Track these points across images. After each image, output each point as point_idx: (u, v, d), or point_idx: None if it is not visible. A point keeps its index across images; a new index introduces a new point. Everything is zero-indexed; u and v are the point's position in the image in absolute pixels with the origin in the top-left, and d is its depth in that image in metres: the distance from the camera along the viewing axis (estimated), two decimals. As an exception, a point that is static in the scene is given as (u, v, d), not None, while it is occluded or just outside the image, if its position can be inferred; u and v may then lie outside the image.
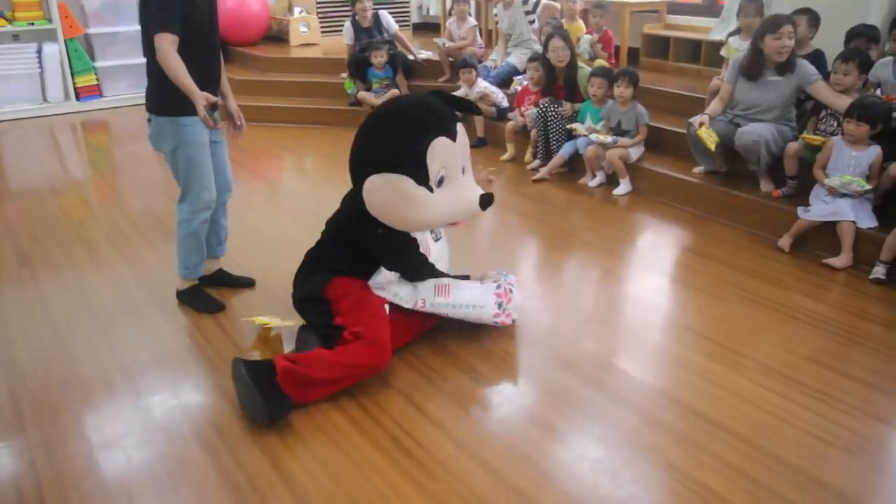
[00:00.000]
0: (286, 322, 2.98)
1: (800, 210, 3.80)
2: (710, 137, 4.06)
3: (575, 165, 5.04)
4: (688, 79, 5.78)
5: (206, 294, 3.31)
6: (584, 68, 5.16)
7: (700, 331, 3.04)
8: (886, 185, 3.63)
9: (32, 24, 7.01)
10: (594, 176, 4.86)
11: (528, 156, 5.29)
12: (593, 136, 4.76)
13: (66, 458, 2.31)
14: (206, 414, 2.53)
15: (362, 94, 6.46)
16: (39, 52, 7.11)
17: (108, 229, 4.21)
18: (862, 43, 4.08)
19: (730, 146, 4.15)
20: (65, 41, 7.13)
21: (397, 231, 2.72)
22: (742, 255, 3.78)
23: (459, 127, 2.74)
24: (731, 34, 4.92)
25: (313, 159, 5.79)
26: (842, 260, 3.56)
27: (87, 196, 4.93)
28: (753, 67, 4.03)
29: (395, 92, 6.37)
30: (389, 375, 2.71)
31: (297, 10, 8.14)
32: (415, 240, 2.82)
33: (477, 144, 5.68)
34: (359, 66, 6.46)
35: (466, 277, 3.03)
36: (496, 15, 6.59)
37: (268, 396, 2.37)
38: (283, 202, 4.83)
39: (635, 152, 4.74)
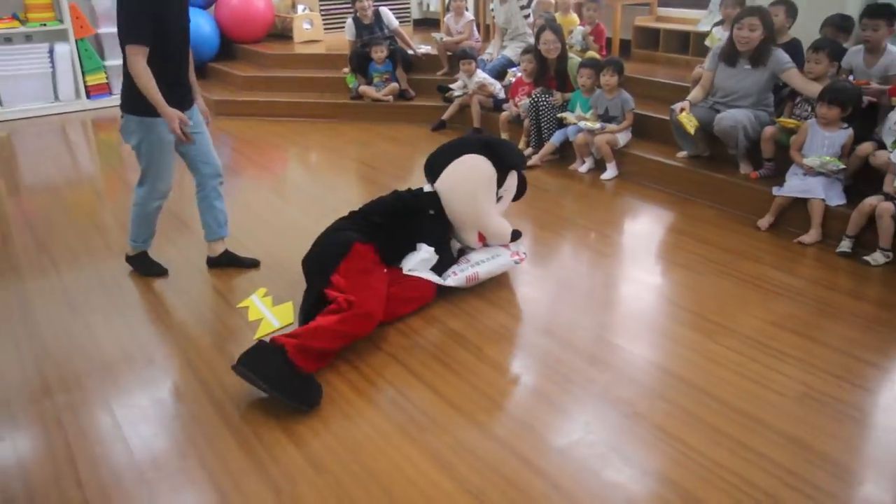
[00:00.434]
0: (273, 320, 3.16)
1: (775, 189, 4.00)
2: (689, 122, 4.27)
3: (566, 152, 5.25)
4: (678, 69, 5.96)
5: (151, 260, 3.69)
6: (575, 59, 5.37)
7: (685, 305, 3.24)
8: (855, 166, 3.83)
9: (45, 24, 7.25)
10: (584, 162, 5.07)
11: (521, 144, 5.51)
12: (582, 124, 4.97)
13: (89, 417, 2.56)
14: (218, 379, 2.76)
15: (363, 88, 6.68)
16: (51, 52, 7.35)
17: (121, 218, 4.44)
18: (832, 31, 4.27)
19: (710, 131, 4.35)
20: (76, 41, 7.38)
21: (444, 218, 3.31)
22: (723, 233, 3.99)
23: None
24: (716, 24, 5.13)
25: (316, 151, 6.02)
26: (811, 236, 3.77)
27: (99, 189, 5.17)
28: (730, 56, 4.24)
29: (394, 86, 6.59)
30: (391, 347, 2.93)
31: (300, 7, 8.36)
32: (449, 233, 3.40)
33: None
34: (360, 61, 6.68)
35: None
36: (492, 10, 6.79)
37: (294, 392, 2.52)
38: (287, 192, 5.05)
39: (623, 138, 4.95)
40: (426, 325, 3.11)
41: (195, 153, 3.48)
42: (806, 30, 4.42)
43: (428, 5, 8.97)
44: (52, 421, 2.53)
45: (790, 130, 4.07)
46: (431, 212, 3.32)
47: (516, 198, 3.64)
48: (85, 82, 7.56)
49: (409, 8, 8.89)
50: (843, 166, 3.79)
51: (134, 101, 3.23)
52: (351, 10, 6.90)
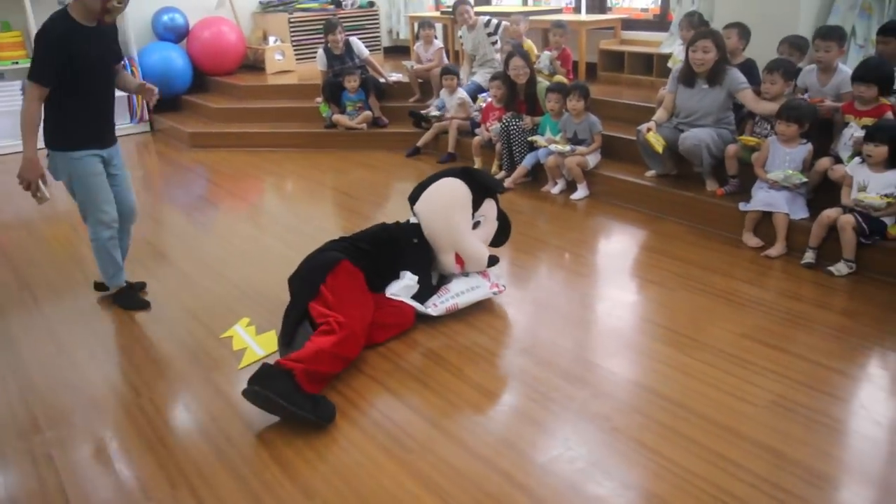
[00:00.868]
0: (257, 348, 3.21)
1: (741, 205, 4.15)
2: (657, 141, 4.42)
3: (538, 175, 5.38)
4: (643, 90, 6.14)
5: (134, 294, 3.74)
6: (543, 83, 5.51)
7: (659, 321, 3.34)
8: (815, 180, 3.98)
9: (17, 62, 7.27)
10: (555, 183, 5.19)
11: (494, 167, 5.62)
12: (553, 147, 5.10)
13: (79, 452, 2.58)
14: (206, 408, 2.80)
15: (337, 117, 6.77)
16: (23, 89, 7.35)
17: (100, 253, 4.47)
18: (788, 50, 4.45)
19: (676, 150, 4.50)
20: (47, 78, 7.37)
21: (426, 246, 3.43)
22: (693, 249, 4.11)
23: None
24: (679, 46, 5.31)
25: (293, 181, 6.08)
26: (777, 249, 3.91)
27: (75, 223, 5.14)
28: (688, 77, 4.41)
29: (368, 114, 6.70)
30: (372, 370, 3.00)
31: (271, 39, 8.45)
32: (431, 262, 3.50)
33: (446, 159, 6.02)
34: (333, 91, 6.77)
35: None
36: (461, 37, 6.94)
37: (311, 408, 2.60)
38: (265, 222, 5.10)
39: (592, 159, 5.08)
40: (407, 348, 3.18)
41: (117, 193, 3.56)
42: (762, 49, 4.60)
43: (397, 33, 9.11)
44: (42, 456, 2.56)
45: (752, 148, 4.22)
46: (415, 240, 3.43)
47: (502, 241, 3.75)
48: (57, 118, 7.54)
49: (379, 36, 9.03)
50: (805, 179, 3.94)
51: (55, 137, 3.34)
52: (321, 41, 7.01)
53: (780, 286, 3.63)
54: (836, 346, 3.05)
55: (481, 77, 6.46)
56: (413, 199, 3.59)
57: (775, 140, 4.07)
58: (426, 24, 7.02)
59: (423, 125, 6.48)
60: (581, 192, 5.04)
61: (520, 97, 5.49)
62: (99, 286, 3.83)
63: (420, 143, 6.35)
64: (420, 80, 6.95)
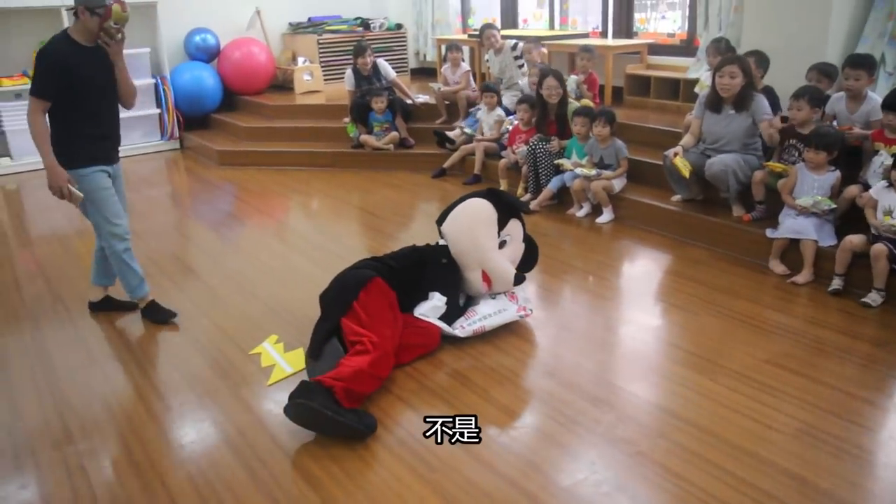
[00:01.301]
0: (285, 366, 3.25)
1: (768, 231, 4.14)
2: (684, 166, 4.43)
3: (563, 197, 5.40)
4: (668, 115, 6.16)
5: (160, 307, 3.78)
6: (573, 104, 5.56)
7: (683, 345, 3.34)
8: (843, 208, 3.97)
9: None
10: (581, 207, 5.21)
11: (520, 190, 5.65)
12: (579, 171, 5.13)
13: (111, 463, 2.63)
14: (234, 423, 2.84)
15: (364, 138, 6.86)
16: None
17: (131, 268, 4.55)
18: (816, 76, 4.45)
19: (702, 176, 4.51)
20: (82, 95, 7.54)
21: (455, 267, 3.48)
22: (718, 274, 4.10)
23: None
24: (706, 72, 5.33)
25: (319, 199, 6.16)
26: (804, 276, 3.89)
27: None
28: (714, 103, 4.43)
29: (394, 135, 6.77)
30: (399, 390, 3.03)
31: (300, 59, 8.60)
32: (461, 281, 3.54)
33: (472, 181, 6.07)
34: (360, 111, 6.87)
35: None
36: (488, 60, 7.01)
37: (355, 418, 2.66)
38: (292, 239, 5.17)
39: (618, 183, 5.10)
40: (433, 368, 3.20)
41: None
42: (790, 76, 4.61)
43: (425, 55, 9.22)
44: (75, 467, 2.61)
45: (779, 174, 4.22)
46: (444, 260, 3.48)
47: (530, 265, 3.78)
48: (90, 134, 7.70)
49: (406, 58, 9.14)
50: (834, 205, 3.93)
51: (62, 157, 3.42)
52: (349, 62, 7.12)
53: (807, 313, 3.61)
54: (864, 375, 3.03)
55: (507, 100, 6.51)
56: (440, 221, 3.64)
57: (803, 167, 4.07)
58: (453, 46, 7.10)
59: (447, 145, 6.54)
60: (606, 215, 5.06)
61: (550, 117, 5.54)
62: (96, 305, 3.89)
63: (446, 164, 6.41)
64: (446, 102, 7.03)
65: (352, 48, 7.10)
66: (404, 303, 3.31)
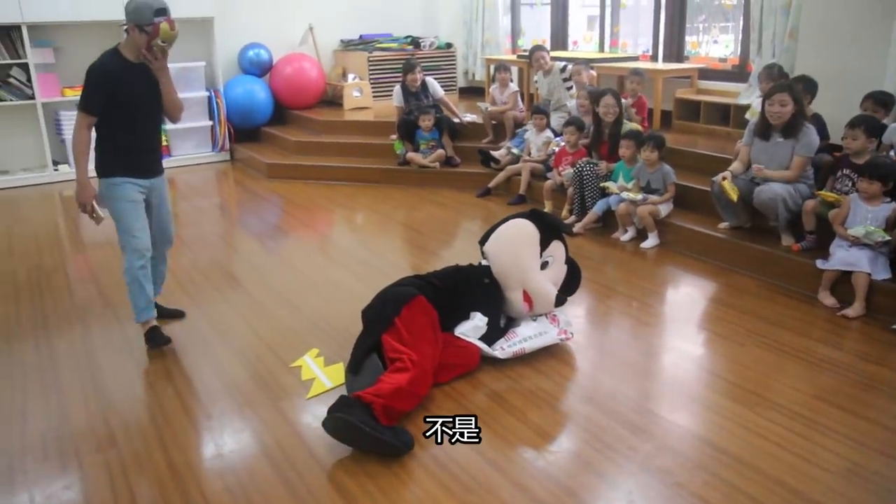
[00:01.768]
0: (325, 380, 3.27)
1: (819, 262, 4.04)
2: (732, 189, 4.37)
3: (608, 221, 5.36)
4: (718, 140, 6.08)
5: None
6: (627, 124, 5.54)
7: (726, 376, 3.28)
8: (898, 240, 3.87)
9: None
10: (626, 231, 5.17)
11: (564, 212, 5.63)
12: (625, 194, 5.09)
13: (152, 467, 2.68)
14: (272, 434, 2.87)
15: (411, 155, 6.91)
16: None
17: (178, 276, 4.64)
18: (872, 106, 4.36)
19: (750, 203, 4.43)
20: (139, 106, 7.75)
21: (497, 287, 3.49)
22: (765, 304, 4.02)
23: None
24: (757, 98, 5.26)
25: (364, 214, 6.22)
26: (855, 309, 3.79)
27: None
28: (763, 130, 4.37)
29: (441, 153, 6.82)
30: (437, 409, 3.03)
31: (350, 76, 8.72)
32: (503, 302, 3.54)
33: (516, 202, 6.06)
34: (407, 129, 6.93)
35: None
36: (536, 81, 7.02)
37: (392, 435, 2.68)
38: (336, 254, 5.22)
39: (664, 209, 5.05)
40: (471, 388, 3.20)
41: (156, 221, 3.70)
42: (845, 105, 4.52)
43: (473, 75, 9.28)
44: (118, 470, 2.66)
45: (830, 204, 4.13)
46: (486, 280, 3.49)
47: (573, 288, 3.76)
48: (146, 144, 7.90)
49: (455, 77, 9.21)
50: (888, 237, 3.83)
51: (99, 165, 3.52)
52: (398, 79, 7.20)
53: (858, 348, 3.52)
54: (916, 414, 2.94)
55: (555, 121, 6.51)
56: (483, 241, 3.64)
57: (857, 197, 3.98)
58: (502, 67, 7.14)
59: (492, 165, 6.56)
60: (652, 240, 5.00)
61: (604, 137, 5.52)
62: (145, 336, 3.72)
63: (492, 183, 6.42)
64: (493, 122, 7.05)
65: (401, 66, 7.19)
66: (445, 322, 3.32)
